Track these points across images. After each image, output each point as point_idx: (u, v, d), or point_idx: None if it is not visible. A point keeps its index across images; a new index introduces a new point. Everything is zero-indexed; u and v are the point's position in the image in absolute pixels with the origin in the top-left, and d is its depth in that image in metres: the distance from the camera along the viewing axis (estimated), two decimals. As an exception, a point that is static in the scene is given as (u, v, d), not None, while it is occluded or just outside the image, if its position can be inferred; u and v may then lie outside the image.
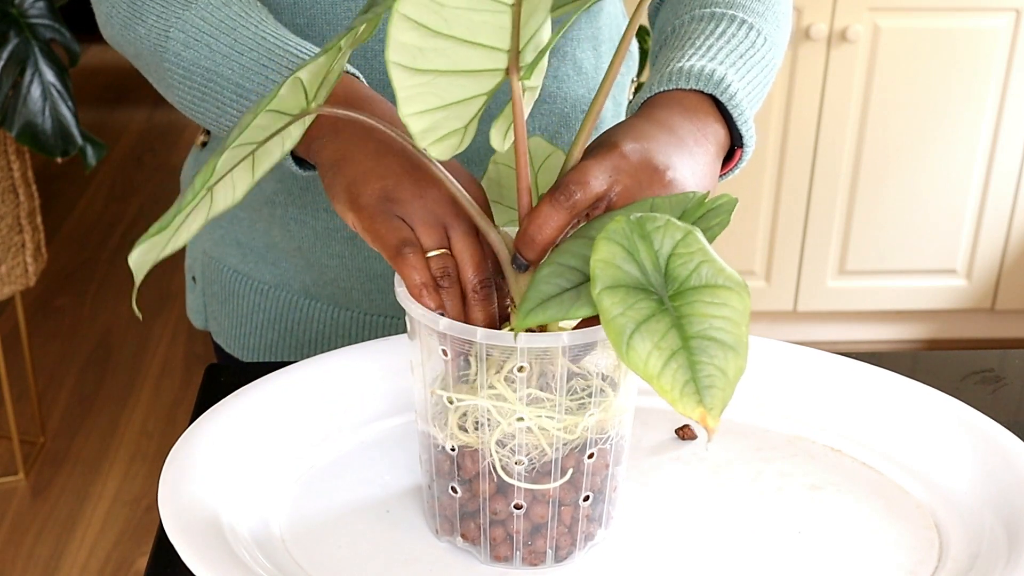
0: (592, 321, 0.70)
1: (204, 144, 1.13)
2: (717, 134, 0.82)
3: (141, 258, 0.67)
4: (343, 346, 1.05)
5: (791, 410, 0.89)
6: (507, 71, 0.68)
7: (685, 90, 0.82)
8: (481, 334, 0.68)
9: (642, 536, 0.77)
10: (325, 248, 1.07)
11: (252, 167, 0.70)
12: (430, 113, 0.67)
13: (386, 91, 0.99)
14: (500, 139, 0.73)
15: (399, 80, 0.65)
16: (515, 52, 0.67)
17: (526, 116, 0.71)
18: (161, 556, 0.76)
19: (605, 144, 0.74)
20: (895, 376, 0.88)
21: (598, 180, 0.71)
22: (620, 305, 0.61)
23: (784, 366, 0.90)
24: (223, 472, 0.78)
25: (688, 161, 0.76)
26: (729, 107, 0.82)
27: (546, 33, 0.69)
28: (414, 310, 0.71)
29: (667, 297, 0.61)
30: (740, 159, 0.86)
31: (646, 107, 0.82)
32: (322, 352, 1.08)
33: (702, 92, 0.82)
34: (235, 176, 0.68)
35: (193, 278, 1.21)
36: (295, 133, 0.71)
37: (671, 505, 0.80)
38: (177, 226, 0.66)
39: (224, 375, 0.97)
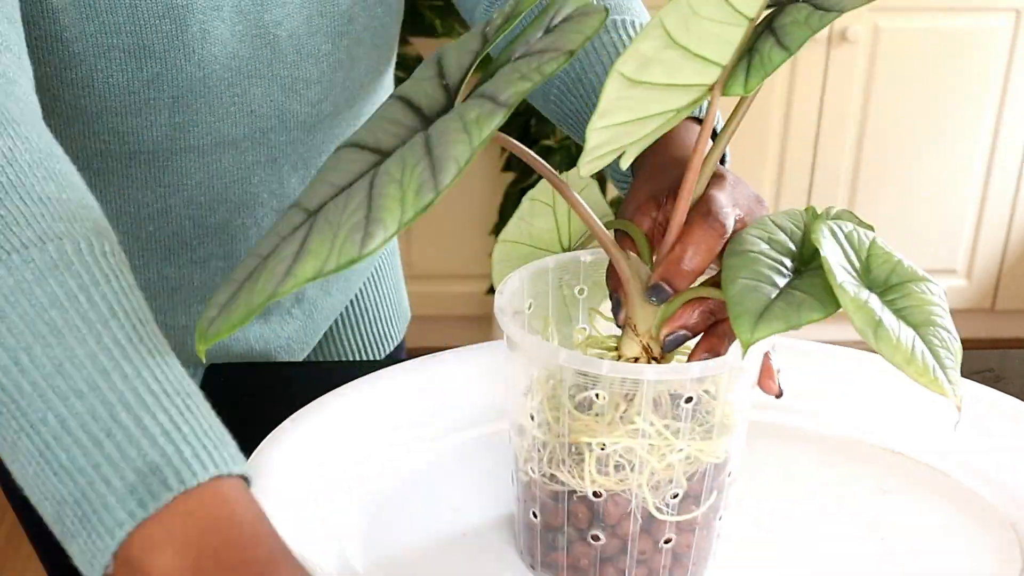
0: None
1: None
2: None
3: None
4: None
5: (847, 413, 0.88)
6: (711, 87, 0.64)
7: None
8: (607, 367, 0.64)
9: (745, 550, 0.76)
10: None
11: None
12: (615, 128, 0.63)
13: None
14: (628, 159, 0.68)
15: (613, 91, 0.61)
16: (730, 67, 0.63)
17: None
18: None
19: (713, 177, 0.71)
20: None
21: (733, 209, 0.69)
22: (860, 296, 0.62)
23: (836, 369, 0.89)
24: (295, 510, 0.74)
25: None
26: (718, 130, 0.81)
27: None
28: (529, 343, 0.66)
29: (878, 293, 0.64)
30: None
31: (673, 146, 0.78)
32: None
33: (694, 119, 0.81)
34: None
35: None
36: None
37: (746, 516, 0.79)
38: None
39: (225, 375, 0.97)
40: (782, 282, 0.64)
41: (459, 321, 2.74)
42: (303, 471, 0.77)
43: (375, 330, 1.17)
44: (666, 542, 0.69)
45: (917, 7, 2.53)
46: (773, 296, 0.63)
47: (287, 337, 1.04)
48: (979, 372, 0.95)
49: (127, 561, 0.52)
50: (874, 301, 0.62)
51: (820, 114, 2.61)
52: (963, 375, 0.78)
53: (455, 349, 0.89)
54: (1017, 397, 0.87)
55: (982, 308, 2.79)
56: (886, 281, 0.64)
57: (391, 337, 1.19)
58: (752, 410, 0.70)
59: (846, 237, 0.65)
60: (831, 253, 0.63)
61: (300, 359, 1.09)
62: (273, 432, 0.78)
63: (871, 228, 0.68)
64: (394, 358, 1.18)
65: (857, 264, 0.64)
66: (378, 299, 1.17)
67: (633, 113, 0.63)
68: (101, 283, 0.56)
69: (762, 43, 0.63)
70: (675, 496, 0.67)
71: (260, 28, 0.84)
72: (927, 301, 0.64)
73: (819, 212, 0.68)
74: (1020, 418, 0.84)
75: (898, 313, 0.63)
